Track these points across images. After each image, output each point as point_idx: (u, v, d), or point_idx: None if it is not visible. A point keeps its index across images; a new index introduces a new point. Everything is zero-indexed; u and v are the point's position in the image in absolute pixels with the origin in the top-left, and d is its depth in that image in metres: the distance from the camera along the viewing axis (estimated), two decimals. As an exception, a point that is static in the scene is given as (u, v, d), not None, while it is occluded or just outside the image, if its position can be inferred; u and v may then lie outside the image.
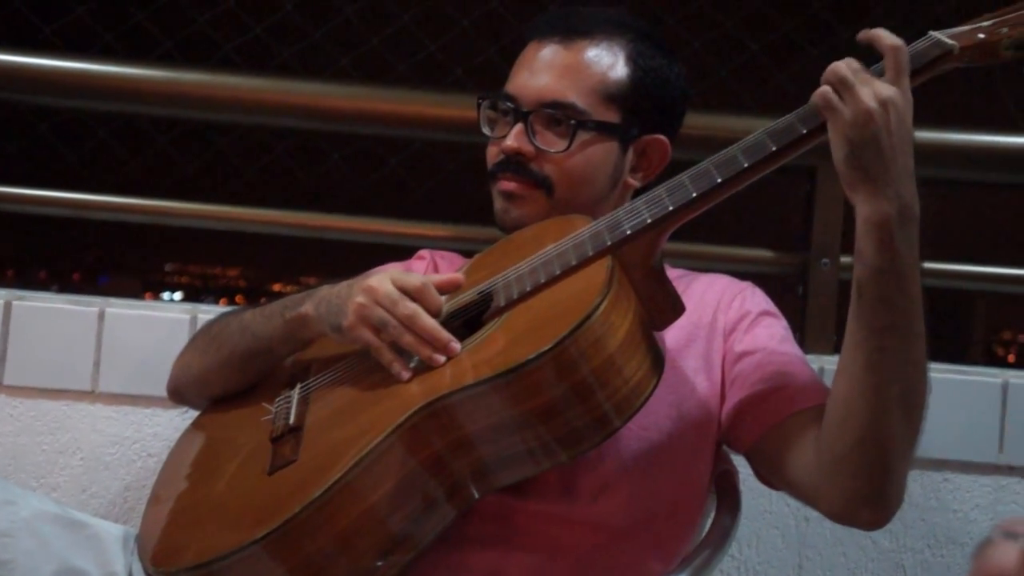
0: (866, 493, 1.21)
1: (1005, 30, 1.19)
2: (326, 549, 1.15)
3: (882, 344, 1.17)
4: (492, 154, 1.46)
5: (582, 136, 1.40)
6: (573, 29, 1.44)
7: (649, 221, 1.23)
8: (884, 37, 1.18)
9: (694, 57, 2.26)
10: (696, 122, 1.90)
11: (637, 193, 1.48)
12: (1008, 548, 0.48)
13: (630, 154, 1.45)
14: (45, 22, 2.32)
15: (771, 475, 1.34)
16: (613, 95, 1.42)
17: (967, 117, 2.17)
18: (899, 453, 1.20)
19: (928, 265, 2.10)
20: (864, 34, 1.19)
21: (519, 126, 1.42)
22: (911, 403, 1.19)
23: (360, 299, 1.27)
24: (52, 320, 1.89)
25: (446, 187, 2.38)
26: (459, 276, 1.34)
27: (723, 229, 1.98)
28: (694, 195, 1.22)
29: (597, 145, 1.42)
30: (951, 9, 2.24)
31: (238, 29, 2.38)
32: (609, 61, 1.42)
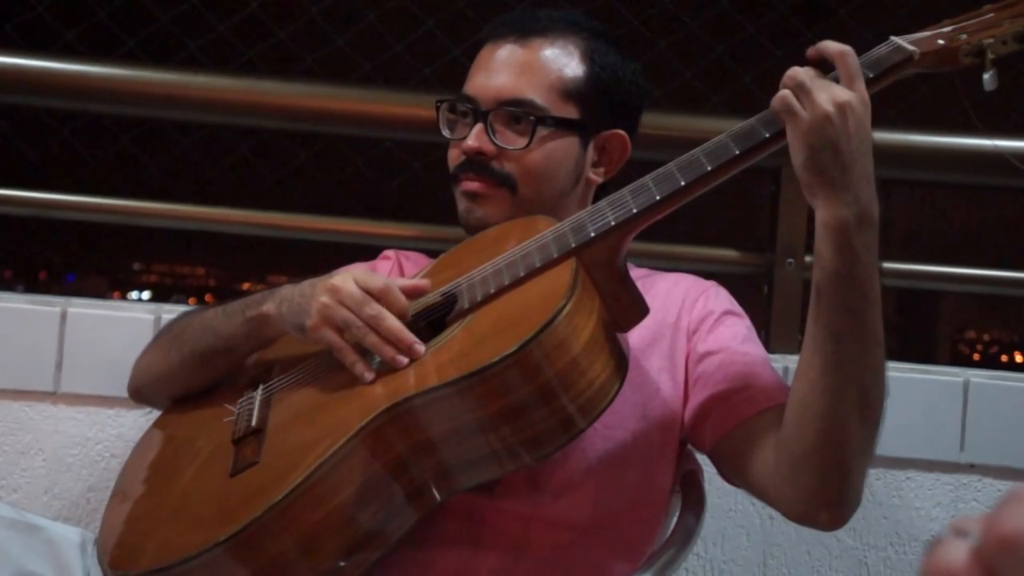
0: (824, 494, 1.21)
1: (964, 36, 1.20)
2: (289, 551, 1.14)
3: (840, 347, 1.17)
4: (453, 156, 1.47)
5: (541, 132, 1.41)
6: (528, 29, 1.45)
7: (613, 223, 1.23)
8: (829, 45, 1.19)
9: (659, 58, 2.27)
10: (662, 123, 1.92)
11: (599, 188, 1.50)
12: (957, 546, 0.48)
13: (590, 150, 1.46)
14: (4, 19, 2.30)
15: (732, 474, 1.35)
16: (570, 91, 1.43)
17: (927, 119, 2.19)
18: (856, 455, 1.20)
19: (895, 266, 2.14)
20: (812, 50, 1.20)
21: (479, 126, 1.42)
22: (868, 406, 1.19)
23: (324, 299, 1.27)
24: (13, 320, 1.87)
25: (412, 187, 2.37)
26: (425, 282, 1.34)
27: (689, 229, 1.98)
28: (658, 198, 1.22)
29: (557, 141, 1.42)
30: (913, 12, 2.26)
31: (202, 28, 2.36)
32: (565, 59, 1.43)
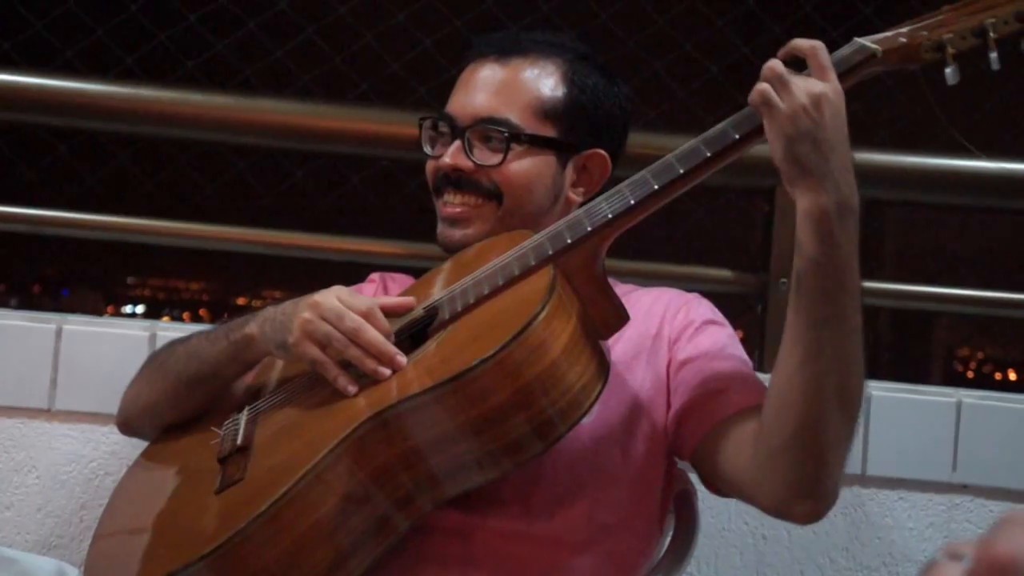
0: (801, 485, 1.22)
1: (924, 33, 1.23)
2: (272, 565, 1.14)
3: (819, 336, 1.18)
4: (431, 169, 1.48)
5: (516, 149, 1.42)
6: (510, 49, 1.47)
7: (589, 229, 1.25)
8: (800, 42, 1.21)
9: (654, 79, 2.28)
10: (655, 143, 1.92)
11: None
12: (952, 569, 0.48)
13: (569, 169, 1.47)
14: (3, 37, 2.31)
15: (713, 477, 1.35)
16: (548, 111, 1.44)
17: (919, 141, 2.20)
18: (834, 445, 1.21)
19: (889, 286, 2.15)
20: (783, 50, 1.22)
21: (456, 143, 1.44)
22: (847, 396, 1.20)
23: (305, 315, 1.28)
24: (8, 336, 1.87)
25: (407, 205, 2.38)
26: (409, 300, 1.35)
27: (683, 249, 1.99)
28: (632, 202, 1.24)
29: (532, 158, 1.43)
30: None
31: (199, 46, 2.37)
32: (545, 79, 1.45)
